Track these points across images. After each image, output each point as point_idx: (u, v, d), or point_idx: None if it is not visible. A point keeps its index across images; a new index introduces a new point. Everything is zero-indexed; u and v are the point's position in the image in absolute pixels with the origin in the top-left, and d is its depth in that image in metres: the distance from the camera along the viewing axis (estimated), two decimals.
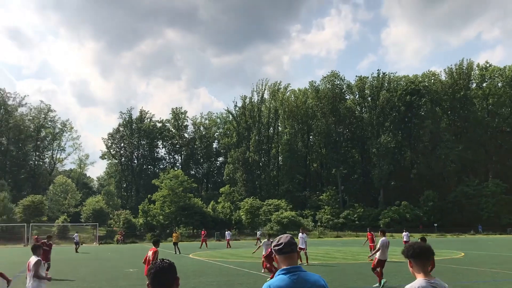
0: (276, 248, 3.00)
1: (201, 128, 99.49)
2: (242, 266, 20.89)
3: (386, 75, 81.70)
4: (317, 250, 32.47)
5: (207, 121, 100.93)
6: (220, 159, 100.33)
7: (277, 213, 65.24)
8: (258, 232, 47.76)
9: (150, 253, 11.65)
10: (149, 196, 70.11)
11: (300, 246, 19.95)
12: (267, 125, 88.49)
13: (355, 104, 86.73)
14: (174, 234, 35.12)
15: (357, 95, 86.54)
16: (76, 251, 36.19)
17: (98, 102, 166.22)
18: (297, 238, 21.16)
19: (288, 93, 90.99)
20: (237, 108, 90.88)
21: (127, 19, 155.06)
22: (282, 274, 2.88)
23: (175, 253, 31.48)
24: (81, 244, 43.39)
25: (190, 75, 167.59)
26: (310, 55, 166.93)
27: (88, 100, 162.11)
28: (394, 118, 78.27)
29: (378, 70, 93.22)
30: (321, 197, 76.20)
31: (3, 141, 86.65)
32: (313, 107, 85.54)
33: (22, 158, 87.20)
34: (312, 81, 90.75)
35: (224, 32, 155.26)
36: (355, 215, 71.07)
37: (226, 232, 43.09)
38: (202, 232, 41.21)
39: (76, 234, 40.37)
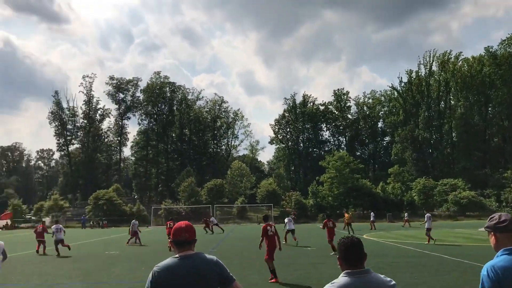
0: (499, 225, 2.82)
1: (365, 108, 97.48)
2: (421, 248, 20.17)
3: None
4: None
5: (370, 100, 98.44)
6: (387, 138, 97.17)
7: (454, 193, 60.76)
8: (427, 215, 45.79)
9: (263, 227, 12.43)
10: (317, 178, 71.73)
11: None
12: (437, 99, 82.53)
13: None
14: (346, 215, 35.43)
15: None
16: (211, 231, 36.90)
17: (263, 90, 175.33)
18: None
19: (460, 62, 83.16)
20: (402, 84, 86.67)
21: (286, 5, 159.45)
22: (506, 254, 2.71)
23: (349, 233, 31.75)
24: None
25: (350, 55, 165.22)
26: (484, 17, 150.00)
27: (254, 89, 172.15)
28: None
29: None
30: (505, 174, 68.34)
31: (186, 132, 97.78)
32: (490, 75, 76.83)
33: (203, 146, 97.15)
34: (488, 46, 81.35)
35: (383, 5, 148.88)
36: None
37: (371, 213, 41.62)
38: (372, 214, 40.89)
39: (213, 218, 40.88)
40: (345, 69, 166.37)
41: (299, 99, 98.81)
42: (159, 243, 26.66)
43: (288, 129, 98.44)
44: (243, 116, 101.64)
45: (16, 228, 60.07)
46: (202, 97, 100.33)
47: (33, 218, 67.61)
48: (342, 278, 2.75)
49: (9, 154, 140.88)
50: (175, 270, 2.85)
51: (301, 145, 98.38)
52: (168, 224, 26.03)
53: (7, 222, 61.81)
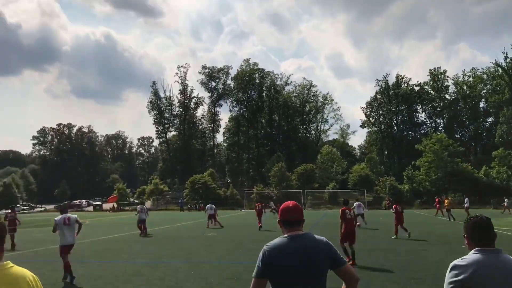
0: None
1: (464, 87, 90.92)
2: None
3: None
4: None
5: (470, 79, 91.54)
6: (490, 119, 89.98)
7: None
8: (506, 200, 44.05)
9: (342, 211, 12.78)
10: (412, 162, 68.66)
11: None
12: None
13: None
14: (446, 200, 33.57)
15: None
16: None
17: (353, 73, 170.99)
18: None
19: None
20: (508, 60, 79.42)
21: None
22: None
23: (449, 219, 30.06)
24: None
25: (447, 31, 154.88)
26: None
27: (343, 72, 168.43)
28: None
29: None
30: None
31: (275, 118, 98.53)
32: None
33: (292, 131, 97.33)
34: None
35: None
36: None
37: (466, 199, 38.65)
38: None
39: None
40: (441, 47, 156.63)
41: (391, 80, 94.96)
42: (253, 226, 27.29)
43: (380, 112, 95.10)
44: (332, 100, 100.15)
45: (121, 210, 64.89)
46: (291, 82, 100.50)
47: (136, 201, 72.69)
48: (473, 255, 2.68)
49: (114, 142, 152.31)
50: (286, 249, 2.79)
51: (395, 128, 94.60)
52: (257, 206, 27.28)
53: (113, 205, 67.05)
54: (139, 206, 23.60)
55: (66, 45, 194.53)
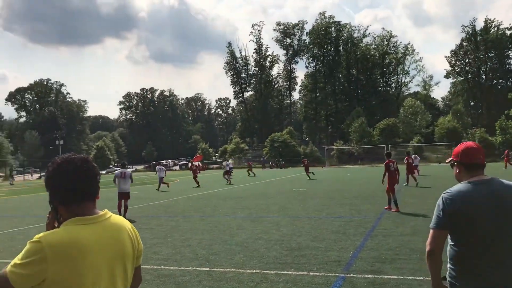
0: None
1: None
2: None
3: None
4: None
5: None
6: None
7: None
8: None
9: (386, 163, 13.93)
10: (506, 112, 63.88)
11: None
12: None
13: None
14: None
15: None
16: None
17: (433, 20, 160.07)
18: None
19: None
20: None
21: None
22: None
23: None
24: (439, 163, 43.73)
25: None
26: None
27: (423, 20, 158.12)
28: None
29: None
30: None
31: (354, 72, 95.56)
32: None
33: (372, 85, 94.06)
34: None
35: None
36: None
37: None
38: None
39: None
40: None
41: (479, 26, 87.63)
42: (340, 181, 27.21)
43: (467, 60, 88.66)
44: (413, 50, 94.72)
45: (207, 169, 67.42)
46: (369, 33, 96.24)
47: (219, 160, 75.04)
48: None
49: (193, 104, 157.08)
50: (471, 196, 2.48)
51: (483, 76, 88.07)
52: (303, 163, 34.21)
53: (199, 163, 69.80)
54: (157, 167, 27.67)
55: (143, 11, 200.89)
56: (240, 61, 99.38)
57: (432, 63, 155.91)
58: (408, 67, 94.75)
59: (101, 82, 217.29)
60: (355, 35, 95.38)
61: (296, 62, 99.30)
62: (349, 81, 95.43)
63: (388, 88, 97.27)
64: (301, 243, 8.87)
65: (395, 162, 13.91)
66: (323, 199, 17.49)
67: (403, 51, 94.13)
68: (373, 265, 7.01)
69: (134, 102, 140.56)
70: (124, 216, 11.41)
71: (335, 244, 8.66)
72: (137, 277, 2.07)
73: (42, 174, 63.83)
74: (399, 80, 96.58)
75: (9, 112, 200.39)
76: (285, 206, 15.57)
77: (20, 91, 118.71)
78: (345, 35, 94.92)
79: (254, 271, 6.94)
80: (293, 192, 21.32)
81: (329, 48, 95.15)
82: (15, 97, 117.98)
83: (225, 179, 29.99)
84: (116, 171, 14.48)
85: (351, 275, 6.53)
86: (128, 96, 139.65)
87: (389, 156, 14.26)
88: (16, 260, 1.72)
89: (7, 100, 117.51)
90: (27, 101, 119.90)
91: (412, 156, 25.90)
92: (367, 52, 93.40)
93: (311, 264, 7.19)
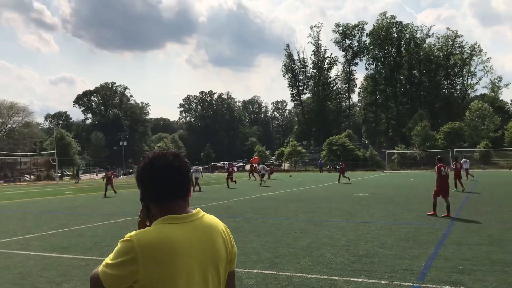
0: None
1: None
2: None
3: None
4: None
5: None
6: None
7: None
8: None
9: (437, 167, 13.81)
10: None
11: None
12: None
13: None
14: None
15: None
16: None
17: (503, 18, 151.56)
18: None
19: None
20: None
21: None
22: None
23: None
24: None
25: None
26: None
27: (491, 18, 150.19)
28: None
29: None
30: None
31: (416, 74, 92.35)
32: None
33: (435, 87, 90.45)
34: None
35: None
36: None
37: None
38: None
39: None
40: None
41: None
42: (403, 187, 26.25)
43: None
44: (481, 51, 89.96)
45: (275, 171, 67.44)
46: (432, 33, 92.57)
47: (275, 162, 74.97)
48: None
49: (250, 106, 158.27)
50: None
51: None
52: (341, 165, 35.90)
53: (255, 166, 70.08)
54: (194, 167, 27.62)
55: (202, 16, 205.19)
56: (298, 63, 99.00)
57: (502, 64, 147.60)
58: (475, 68, 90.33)
59: (162, 85, 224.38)
60: (418, 35, 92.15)
61: (356, 64, 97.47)
62: (411, 83, 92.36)
63: (453, 90, 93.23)
64: (369, 250, 8.53)
65: (446, 167, 14.03)
66: (388, 204, 16.90)
67: (469, 51, 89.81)
68: (449, 275, 6.58)
69: (194, 105, 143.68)
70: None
71: (405, 252, 8.25)
72: (231, 283, 1.86)
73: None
74: (465, 82, 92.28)
75: (77, 114, 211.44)
76: (349, 210, 15.16)
77: (86, 94, 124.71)
78: (407, 35, 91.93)
79: (321, 276, 6.72)
80: (355, 196, 20.77)
81: (390, 49, 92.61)
82: (82, 99, 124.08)
83: (262, 181, 32.63)
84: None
85: (427, 285, 6.15)
86: (187, 99, 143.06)
87: (441, 161, 14.26)
88: (108, 260, 1.62)
89: (75, 102, 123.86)
90: (93, 103, 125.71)
91: (462, 161, 26.32)
92: (431, 53, 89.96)
93: (382, 272, 6.87)
